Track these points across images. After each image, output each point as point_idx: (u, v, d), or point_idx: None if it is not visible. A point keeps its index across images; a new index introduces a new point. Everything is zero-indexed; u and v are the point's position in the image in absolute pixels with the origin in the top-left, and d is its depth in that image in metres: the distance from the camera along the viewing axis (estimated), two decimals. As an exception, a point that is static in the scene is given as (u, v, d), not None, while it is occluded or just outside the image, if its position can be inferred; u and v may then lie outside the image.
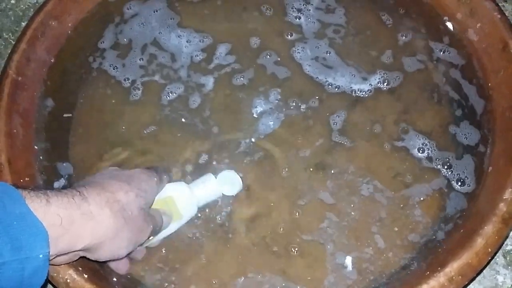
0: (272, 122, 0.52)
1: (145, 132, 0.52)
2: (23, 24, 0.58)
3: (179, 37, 0.56)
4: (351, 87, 0.53)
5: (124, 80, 0.55)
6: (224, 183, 0.47)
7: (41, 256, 0.32)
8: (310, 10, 0.58)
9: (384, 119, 0.51)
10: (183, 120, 0.52)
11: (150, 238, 0.43)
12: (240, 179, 0.48)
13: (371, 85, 0.53)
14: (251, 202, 0.48)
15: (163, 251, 0.46)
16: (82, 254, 0.38)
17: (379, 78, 0.53)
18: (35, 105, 0.50)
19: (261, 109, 0.53)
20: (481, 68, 0.50)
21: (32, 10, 0.59)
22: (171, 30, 0.57)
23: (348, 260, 0.45)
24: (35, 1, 0.60)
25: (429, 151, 0.49)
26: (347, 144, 0.50)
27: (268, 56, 0.55)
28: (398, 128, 0.51)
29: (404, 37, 0.56)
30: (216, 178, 0.47)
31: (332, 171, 0.49)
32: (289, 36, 0.56)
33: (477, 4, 0.50)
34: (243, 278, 0.45)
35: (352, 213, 0.47)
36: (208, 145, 0.51)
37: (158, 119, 0.53)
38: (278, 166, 0.49)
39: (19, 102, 0.49)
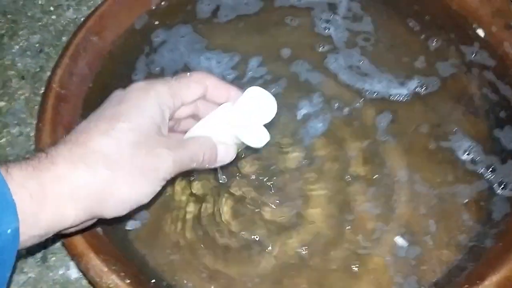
0: (320, 124, 0.52)
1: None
2: (64, 39, 0.60)
3: (208, 59, 0.57)
4: (389, 92, 0.54)
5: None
6: (251, 108, 0.35)
7: (9, 231, 0.28)
8: (337, 20, 0.59)
9: (425, 122, 0.52)
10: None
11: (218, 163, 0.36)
12: (275, 101, 0.36)
13: (409, 90, 0.53)
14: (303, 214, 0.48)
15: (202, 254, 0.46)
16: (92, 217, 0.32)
17: (416, 83, 0.54)
18: (76, 119, 0.51)
19: (306, 111, 0.53)
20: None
21: (72, 25, 0.61)
22: (200, 54, 0.57)
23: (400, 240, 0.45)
24: (75, 16, 0.61)
25: (474, 154, 0.49)
26: (393, 143, 0.51)
27: (300, 64, 0.56)
28: (440, 130, 0.51)
29: (434, 43, 0.57)
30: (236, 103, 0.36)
31: (379, 175, 0.49)
32: (320, 48, 0.57)
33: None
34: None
35: (400, 214, 0.47)
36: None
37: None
38: (327, 171, 0.50)
39: (62, 114, 0.50)
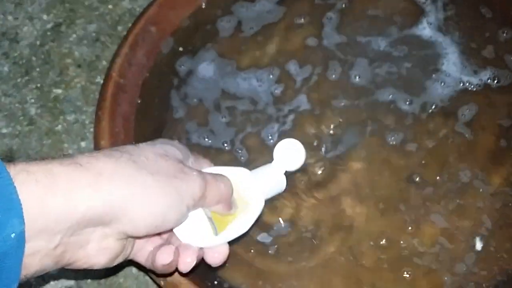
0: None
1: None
2: (119, 28, 0.60)
3: (245, 80, 0.52)
4: (460, 78, 0.51)
5: (223, 144, 0.49)
6: (285, 155, 0.40)
7: (13, 235, 0.25)
8: None
9: (496, 117, 0.49)
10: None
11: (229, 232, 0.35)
12: (303, 147, 0.41)
13: (481, 80, 0.51)
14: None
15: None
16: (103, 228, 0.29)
17: (489, 75, 0.51)
18: (133, 109, 0.51)
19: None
20: None
21: (127, 15, 0.60)
22: (235, 76, 0.52)
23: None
24: (131, 6, 0.61)
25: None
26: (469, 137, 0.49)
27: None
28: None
29: (504, 34, 0.54)
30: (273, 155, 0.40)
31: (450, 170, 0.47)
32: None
33: None
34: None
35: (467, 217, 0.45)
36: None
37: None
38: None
39: (120, 103, 0.50)
